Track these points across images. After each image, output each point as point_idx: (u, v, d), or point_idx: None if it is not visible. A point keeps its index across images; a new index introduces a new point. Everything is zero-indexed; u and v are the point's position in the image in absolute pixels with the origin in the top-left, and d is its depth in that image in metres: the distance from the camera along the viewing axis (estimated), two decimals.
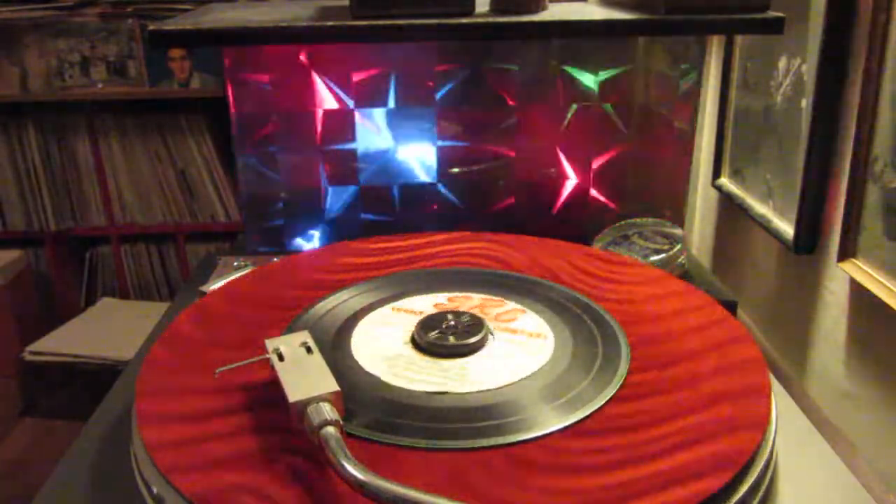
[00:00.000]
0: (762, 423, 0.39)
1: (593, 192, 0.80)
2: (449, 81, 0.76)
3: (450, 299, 0.53)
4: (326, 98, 0.76)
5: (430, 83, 0.76)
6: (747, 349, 0.46)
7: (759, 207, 0.75)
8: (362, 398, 0.41)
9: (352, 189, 0.79)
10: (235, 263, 0.68)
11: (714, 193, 0.88)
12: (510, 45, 0.75)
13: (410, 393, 0.42)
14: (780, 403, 0.46)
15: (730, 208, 0.84)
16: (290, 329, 0.49)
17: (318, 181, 0.79)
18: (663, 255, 0.68)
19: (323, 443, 0.34)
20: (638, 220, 0.75)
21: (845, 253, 0.59)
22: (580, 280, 0.56)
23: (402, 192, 0.80)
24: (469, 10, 0.63)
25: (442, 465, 0.36)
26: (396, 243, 0.63)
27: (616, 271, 0.58)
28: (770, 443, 0.39)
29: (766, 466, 0.38)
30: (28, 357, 1.48)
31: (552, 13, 0.65)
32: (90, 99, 1.54)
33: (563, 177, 0.80)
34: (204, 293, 0.59)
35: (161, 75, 1.54)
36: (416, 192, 0.80)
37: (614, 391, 0.42)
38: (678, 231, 0.73)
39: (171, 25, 0.62)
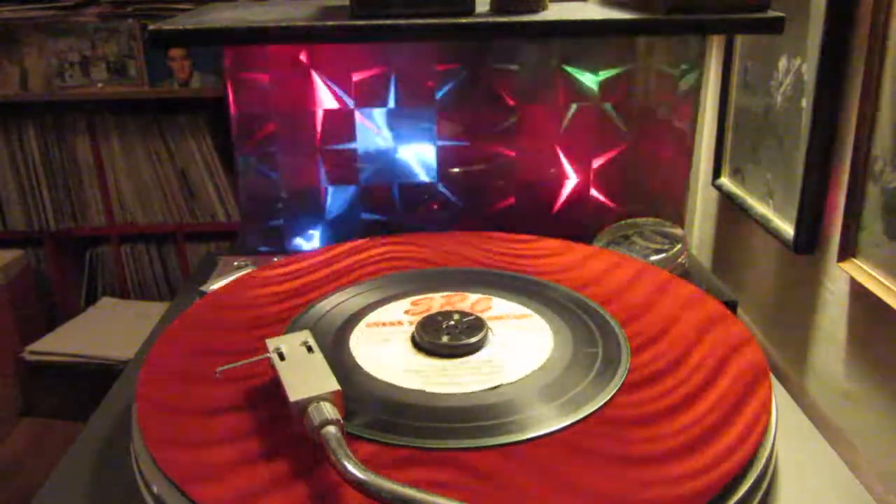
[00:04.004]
0: (762, 423, 0.39)
1: (593, 192, 0.80)
2: (449, 81, 0.76)
3: (413, 303, 0.52)
4: (326, 98, 0.76)
5: (430, 83, 0.76)
6: (747, 348, 0.46)
7: (759, 207, 0.75)
8: (363, 398, 0.41)
9: (352, 189, 0.79)
10: (235, 263, 0.68)
11: (714, 193, 0.88)
12: (510, 45, 0.75)
13: (411, 393, 0.42)
14: (780, 403, 0.46)
15: (730, 208, 0.84)
16: (291, 329, 0.49)
17: (318, 181, 0.79)
18: (663, 255, 0.68)
19: (324, 442, 0.34)
20: (638, 220, 0.75)
21: (845, 253, 0.59)
22: (510, 262, 0.59)
23: (402, 192, 0.80)
24: (469, 10, 0.63)
25: (442, 464, 0.36)
26: (297, 266, 0.61)
27: (522, 248, 0.62)
28: (770, 442, 0.39)
29: (766, 466, 0.38)
30: (28, 357, 1.48)
31: (552, 13, 0.65)
32: (90, 99, 1.54)
33: (563, 177, 0.80)
34: (204, 293, 0.59)
35: (161, 75, 1.54)
36: (416, 192, 0.80)
37: (614, 391, 0.42)
38: (678, 231, 0.73)
39: (171, 25, 0.62)
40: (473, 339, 0.46)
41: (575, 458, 0.37)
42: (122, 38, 1.51)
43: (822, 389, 0.65)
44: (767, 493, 0.38)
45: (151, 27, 0.61)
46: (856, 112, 0.57)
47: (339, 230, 0.81)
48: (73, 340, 1.50)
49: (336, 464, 0.33)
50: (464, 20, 0.62)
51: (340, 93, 0.76)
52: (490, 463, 0.36)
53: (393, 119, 0.77)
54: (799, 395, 0.66)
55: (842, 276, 0.61)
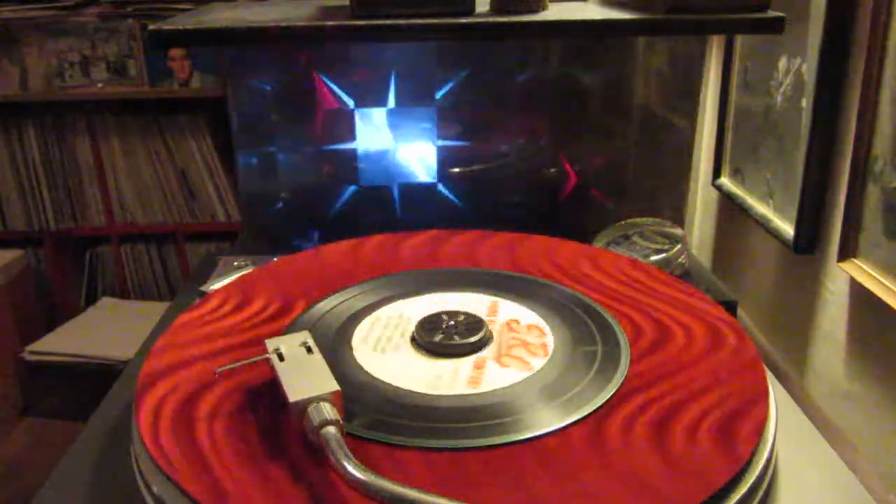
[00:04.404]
0: (762, 423, 0.39)
1: (593, 192, 0.80)
2: (449, 81, 0.76)
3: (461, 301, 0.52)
4: (326, 98, 0.76)
5: (431, 83, 0.76)
6: (746, 349, 0.46)
7: (759, 207, 0.75)
8: (362, 398, 0.41)
9: (352, 189, 0.79)
10: (236, 263, 0.68)
11: (714, 193, 0.88)
12: (510, 45, 0.75)
13: (410, 393, 0.42)
14: (780, 403, 0.46)
15: (730, 208, 0.84)
16: (291, 329, 0.49)
17: (318, 181, 0.79)
18: (663, 255, 0.68)
19: (323, 443, 0.34)
20: (638, 220, 0.75)
21: (845, 253, 0.59)
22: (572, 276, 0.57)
23: (402, 192, 0.80)
24: (469, 10, 0.63)
25: (442, 465, 0.36)
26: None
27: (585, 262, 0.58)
28: (770, 443, 0.39)
29: (766, 466, 0.38)
30: (28, 357, 1.48)
31: (552, 13, 0.65)
32: (90, 99, 1.54)
33: (563, 177, 0.80)
34: (204, 293, 0.59)
35: (161, 75, 1.54)
36: (416, 192, 0.80)
37: (614, 391, 0.42)
38: (678, 231, 0.73)
39: (171, 25, 0.62)
40: (473, 339, 0.46)
41: (574, 457, 0.37)
42: (122, 38, 1.51)
43: (822, 389, 0.65)
44: (767, 494, 0.38)
45: (151, 27, 0.61)
46: (856, 112, 0.57)
47: (339, 230, 0.81)
48: (73, 340, 1.50)
49: (336, 464, 0.33)
50: (464, 20, 0.62)
51: (340, 93, 0.76)
52: (490, 463, 0.36)
53: (393, 119, 0.77)
54: (799, 395, 0.66)
55: (842, 276, 0.61)
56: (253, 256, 0.72)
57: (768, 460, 0.38)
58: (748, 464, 0.36)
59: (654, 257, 0.68)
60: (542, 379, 0.43)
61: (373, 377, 0.43)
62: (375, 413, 0.40)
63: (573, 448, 0.37)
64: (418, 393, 0.42)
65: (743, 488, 0.35)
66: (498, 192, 0.80)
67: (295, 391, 0.37)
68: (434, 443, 0.37)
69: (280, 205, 0.79)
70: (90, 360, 1.45)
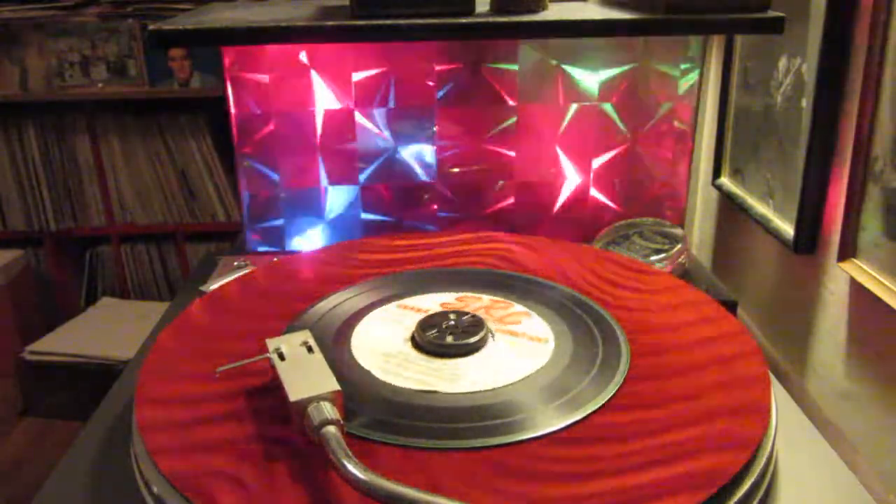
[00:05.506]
0: (762, 423, 0.39)
1: (593, 192, 0.80)
2: (449, 81, 0.76)
3: (458, 299, 0.53)
4: (326, 98, 0.76)
5: (430, 83, 0.76)
6: (747, 348, 0.46)
7: (759, 207, 0.75)
8: (363, 398, 0.41)
9: (352, 189, 0.79)
10: (236, 263, 0.68)
11: (714, 193, 0.88)
12: (510, 45, 0.75)
13: (411, 393, 0.42)
14: (780, 403, 0.46)
15: (730, 208, 0.84)
16: (291, 328, 0.49)
17: (318, 181, 0.79)
18: (663, 255, 0.68)
19: (324, 442, 0.34)
20: (638, 220, 0.75)
21: (845, 253, 0.59)
22: (592, 284, 0.56)
23: (402, 192, 0.80)
24: (469, 10, 0.63)
25: (441, 464, 0.36)
26: (414, 241, 0.65)
27: (633, 278, 0.57)
28: (770, 442, 0.39)
29: (766, 466, 0.38)
30: (28, 357, 1.48)
31: (552, 13, 0.65)
32: (90, 99, 1.54)
33: (563, 177, 0.80)
34: (204, 293, 0.59)
35: (161, 75, 1.54)
36: (416, 192, 0.80)
37: (615, 390, 0.42)
38: (678, 231, 0.73)
39: (171, 25, 0.62)
40: (473, 339, 0.46)
41: (575, 457, 0.37)
42: (122, 38, 1.51)
43: (823, 389, 0.65)
44: (767, 494, 0.38)
45: (151, 27, 0.61)
46: (856, 112, 0.57)
47: (339, 230, 0.81)
48: (73, 340, 1.50)
49: (336, 464, 0.33)
50: (464, 20, 0.62)
51: (340, 93, 0.76)
52: (490, 462, 0.36)
53: (393, 119, 0.77)
54: (799, 395, 0.66)
55: (842, 276, 0.61)
56: (253, 256, 0.72)
57: (768, 460, 0.38)
58: (749, 464, 0.36)
59: (654, 257, 0.68)
60: (541, 379, 0.43)
61: (373, 377, 0.43)
62: (375, 413, 0.40)
63: (572, 448, 0.37)
64: (418, 392, 0.42)
65: (743, 488, 0.35)
66: (497, 192, 0.80)
67: (296, 390, 0.37)
68: (434, 443, 0.37)
69: (280, 205, 0.79)
70: (90, 360, 1.45)
